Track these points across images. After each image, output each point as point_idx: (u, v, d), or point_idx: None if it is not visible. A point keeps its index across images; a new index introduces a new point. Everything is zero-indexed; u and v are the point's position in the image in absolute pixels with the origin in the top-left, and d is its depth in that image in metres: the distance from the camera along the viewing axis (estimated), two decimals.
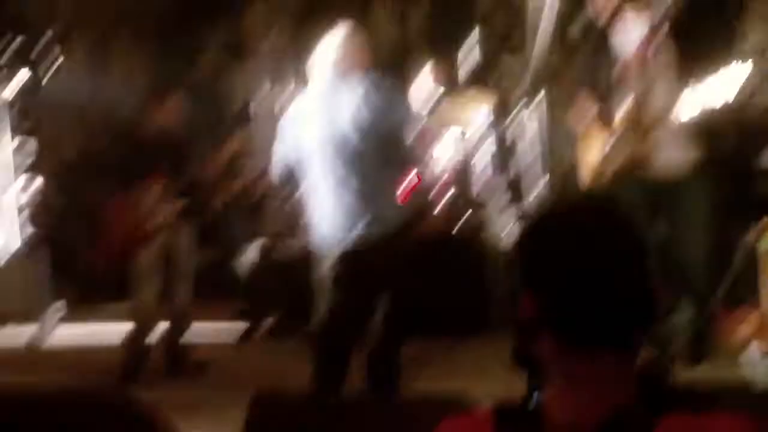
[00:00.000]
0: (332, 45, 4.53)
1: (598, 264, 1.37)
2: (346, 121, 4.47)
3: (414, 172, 5.63)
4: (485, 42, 6.48)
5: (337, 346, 4.72)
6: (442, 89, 7.21)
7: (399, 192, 4.74)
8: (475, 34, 6.51)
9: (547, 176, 4.86)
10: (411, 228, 5.14)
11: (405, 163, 4.80)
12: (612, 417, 1.36)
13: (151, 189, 5.77)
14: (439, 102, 7.17)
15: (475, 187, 6.98)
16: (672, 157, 4.64)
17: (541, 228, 1.45)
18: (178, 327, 5.89)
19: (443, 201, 6.73)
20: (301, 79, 4.79)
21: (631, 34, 4.61)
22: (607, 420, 1.36)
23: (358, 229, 4.56)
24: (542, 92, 5.07)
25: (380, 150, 4.50)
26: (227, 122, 8.99)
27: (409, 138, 4.66)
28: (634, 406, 1.37)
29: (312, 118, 4.52)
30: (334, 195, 4.55)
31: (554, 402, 1.41)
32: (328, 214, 4.58)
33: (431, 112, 7.13)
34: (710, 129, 5.51)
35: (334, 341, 4.72)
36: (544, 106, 5.04)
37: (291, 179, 4.69)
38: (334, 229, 4.59)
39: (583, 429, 1.37)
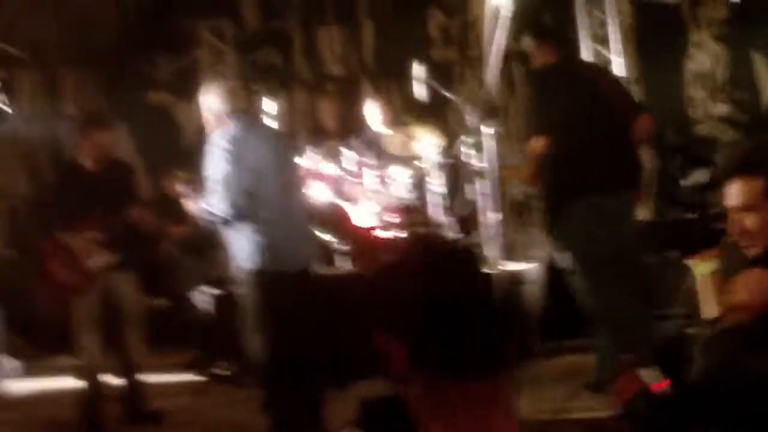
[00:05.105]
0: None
1: (460, 305, 1.43)
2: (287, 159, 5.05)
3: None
4: (429, 77, 6.44)
5: (281, 385, 4.70)
6: (388, 128, 7.16)
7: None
8: (419, 69, 6.50)
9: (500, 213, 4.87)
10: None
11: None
12: None
13: (83, 232, 5.52)
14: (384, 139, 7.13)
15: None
16: None
17: (399, 276, 1.48)
18: (132, 377, 5.81)
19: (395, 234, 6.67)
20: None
21: None
22: None
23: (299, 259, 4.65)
24: (492, 126, 5.07)
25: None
26: (176, 158, 8.84)
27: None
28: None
29: (262, 151, 4.83)
30: (283, 222, 4.70)
31: None
32: (273, 243, 4.71)
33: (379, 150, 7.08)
34: None
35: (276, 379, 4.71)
36: (494, 140, 5.04)
37: (245, 208, 4.67)
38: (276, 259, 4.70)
39: None
